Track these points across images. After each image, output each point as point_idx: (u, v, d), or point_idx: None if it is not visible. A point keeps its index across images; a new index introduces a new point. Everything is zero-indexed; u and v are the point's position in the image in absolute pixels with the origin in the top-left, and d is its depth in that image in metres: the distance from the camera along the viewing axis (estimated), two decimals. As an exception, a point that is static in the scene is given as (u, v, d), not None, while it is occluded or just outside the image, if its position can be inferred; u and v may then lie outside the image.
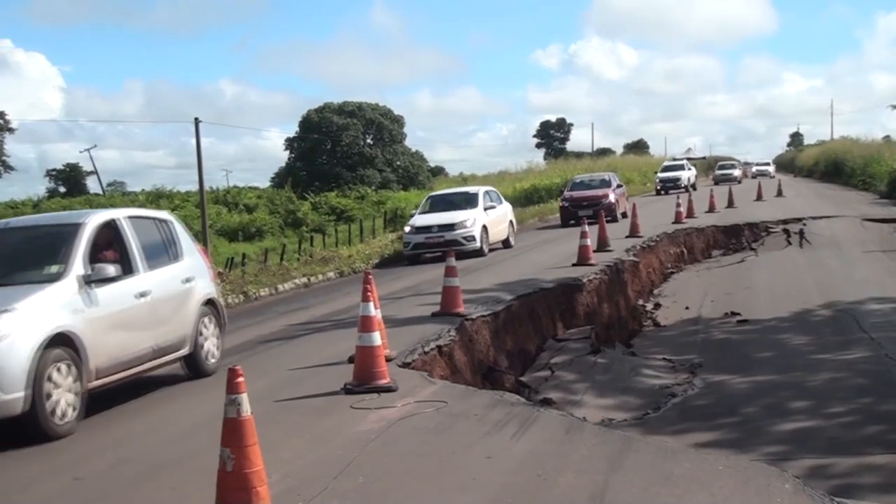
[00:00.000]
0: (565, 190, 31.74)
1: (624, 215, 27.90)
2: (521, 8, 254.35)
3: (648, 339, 14.21)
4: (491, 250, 21.34)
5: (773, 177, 56.85)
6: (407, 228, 21.81)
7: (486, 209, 21.46)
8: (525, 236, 26.66)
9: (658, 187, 45.99)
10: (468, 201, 21.85)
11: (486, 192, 22.84)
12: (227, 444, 4.60)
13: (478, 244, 20.30)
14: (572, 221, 27.45)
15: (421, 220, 21.49)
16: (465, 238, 20.15)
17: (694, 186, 43.83)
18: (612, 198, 28.61)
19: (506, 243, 22.50)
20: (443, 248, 18.54)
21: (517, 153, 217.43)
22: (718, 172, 55.77)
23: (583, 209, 27.51)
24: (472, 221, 20.57)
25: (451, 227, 20.46)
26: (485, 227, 20.84)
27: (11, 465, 6.58)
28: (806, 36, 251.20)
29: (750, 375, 10.78)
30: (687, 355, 12.31)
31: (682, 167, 48.37)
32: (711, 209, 29.75)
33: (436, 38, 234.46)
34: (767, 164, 70.67)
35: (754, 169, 64.88)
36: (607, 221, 22.82)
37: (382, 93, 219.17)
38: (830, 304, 14.16)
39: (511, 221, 23.38)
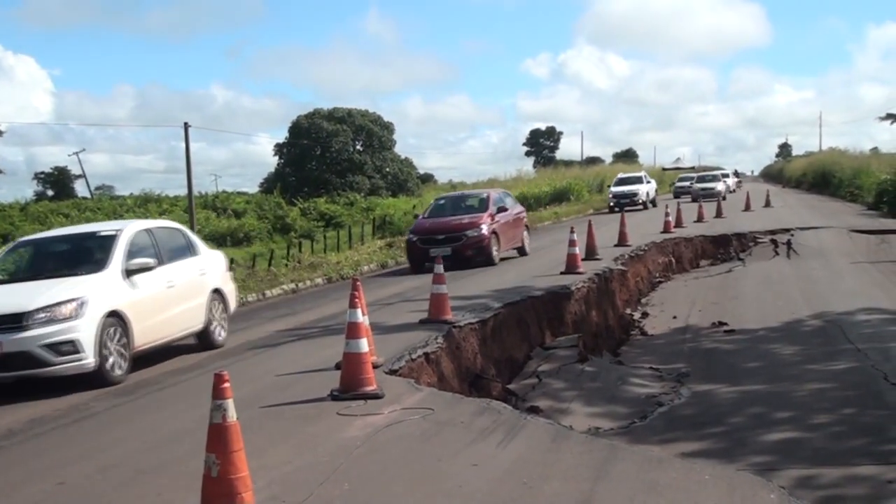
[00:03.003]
0: (420, 215, 21.71)
1: (521, 251, 19.99)
2: (514, 17, 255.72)
3: (636, 348, 14.22)
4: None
5: (734, 191, 51.37)
6: None
7: (130, 272, 9.84)
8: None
9: (611, 203, 39.42)
10: (98, 252, 10.10)
11: (145, 234, 10.69)
12: (213, 450, 4.59)
13: (89, 359, 8.92)
14: (427, 264, 17.71)
15: None
16: (51, 347, 8.77)
17: (654, 202, 39.86)
18: (484, 229, 18.94)
19: (205, 339, 11.29)
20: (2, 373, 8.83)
21: (507, 161, 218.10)
22: (697, 186, 44.58)
23: (437, 246, 18.50)
24: (74, 307, 8.97)
25: (15, 321, 8.79)
26: (119, 317, 9.43)
27: (-6, 470, 6.54)
28: (798, 48, 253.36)
29: (737, 385, 10.79)
30: (674, 364, 12.32)
31: (639, 180, 42.25)
32: (700, 219, 29.85)
33: (428, 46, 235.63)
34: (727, 174, 58.58)
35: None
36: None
37: (374, 99, 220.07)
38: (818, 315, 14.20)
39: (218, 290, 11.64)
